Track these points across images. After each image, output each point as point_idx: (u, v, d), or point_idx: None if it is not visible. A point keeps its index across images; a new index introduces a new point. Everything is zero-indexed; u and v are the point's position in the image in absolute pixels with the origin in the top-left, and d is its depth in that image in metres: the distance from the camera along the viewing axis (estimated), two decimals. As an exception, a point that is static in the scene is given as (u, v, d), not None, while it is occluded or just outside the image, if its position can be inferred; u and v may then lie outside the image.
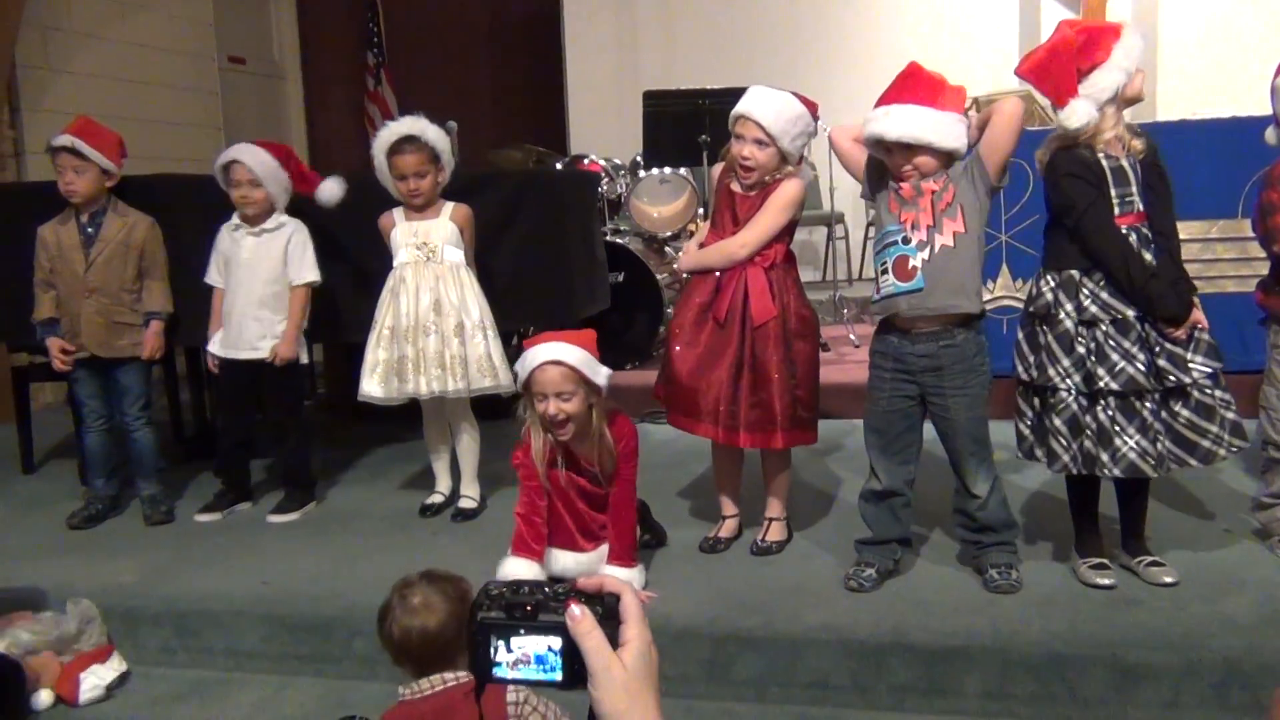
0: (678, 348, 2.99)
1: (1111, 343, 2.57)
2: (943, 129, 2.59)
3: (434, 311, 3.38)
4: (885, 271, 2.69)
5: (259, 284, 3.55)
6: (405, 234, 3.46)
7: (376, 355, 3.42)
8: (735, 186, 2.98)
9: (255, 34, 8.13)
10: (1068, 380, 2.60)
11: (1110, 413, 2.58)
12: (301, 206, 3.68)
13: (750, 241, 2.91)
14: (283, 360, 3.54)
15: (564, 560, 2.83)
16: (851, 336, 5.43)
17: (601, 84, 7.57)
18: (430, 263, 3.42)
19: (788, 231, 2.97)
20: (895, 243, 2.66)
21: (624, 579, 2.59)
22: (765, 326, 2.90)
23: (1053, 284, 2.64)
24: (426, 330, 3.37)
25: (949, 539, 3.06)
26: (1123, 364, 2.56)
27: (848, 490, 3.59)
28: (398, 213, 3.52)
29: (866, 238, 6.97)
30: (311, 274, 3.60)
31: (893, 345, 2.73)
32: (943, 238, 2.62)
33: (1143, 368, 2.56)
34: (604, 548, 2.81)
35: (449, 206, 3.51)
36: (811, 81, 6.94)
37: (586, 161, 5.88)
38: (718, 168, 3.07)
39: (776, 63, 7.16)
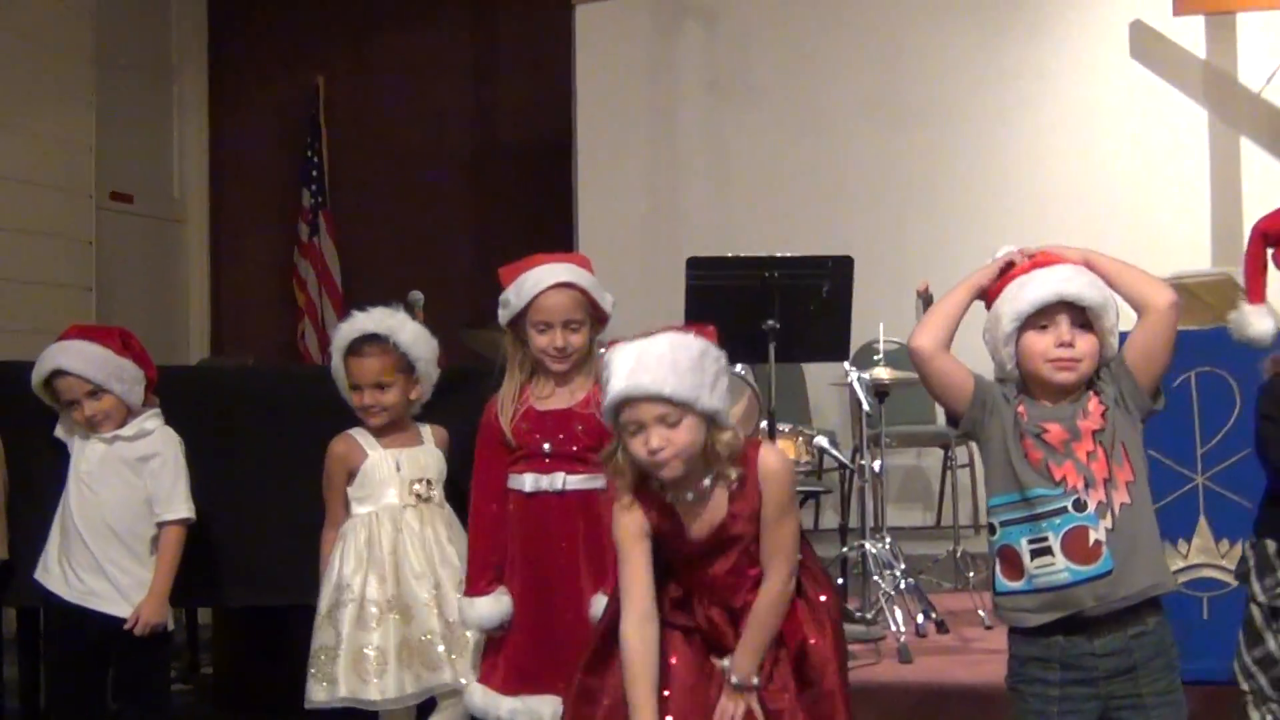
0: None
1: None
2: (1115, 315, 2.66)
3: (434, 573, 3.47)
4: (1044, 553, 2.64)
5: (106, 512, 3.59)
6: (386, 467, 3.56)
7: (353, 640, 3.45)
8: (673, 498, 2.81)
9: (149, 164, 8.46)
10: None
11: None
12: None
13: (789, 573, 2.83)
14: (147, 628, 3.54)
15: (537, 706, 3.16)
16: (981, 613, 5.34)
17: (626, 243, 7.71)
18: (431, 505, 3.55)
19: None
20: (1062, 510, 2.64)
21: None
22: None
23: None
24: (429, 604, 3.45)
25: None
26: None
27: None
28: (362, 435, 3.60)
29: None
30: (184, 508, 3.65)
31: (1059, 645, 2.67)
32: (1119, 494, 2.62)
33: None
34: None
35: (425, 430, 3.65)
36: (921, 255, 7.11)
37: (603, 351, 5.93)
38: (628, 521, 2.81)
39: (874, 225, 7.29)
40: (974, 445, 7.27)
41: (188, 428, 3.76)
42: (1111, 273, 2.72)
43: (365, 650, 3.43)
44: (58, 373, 3.59)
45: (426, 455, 3.59)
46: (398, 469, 3.55)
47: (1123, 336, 2.72)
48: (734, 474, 2.75)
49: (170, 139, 8.65)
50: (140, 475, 3.62)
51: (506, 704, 3.21)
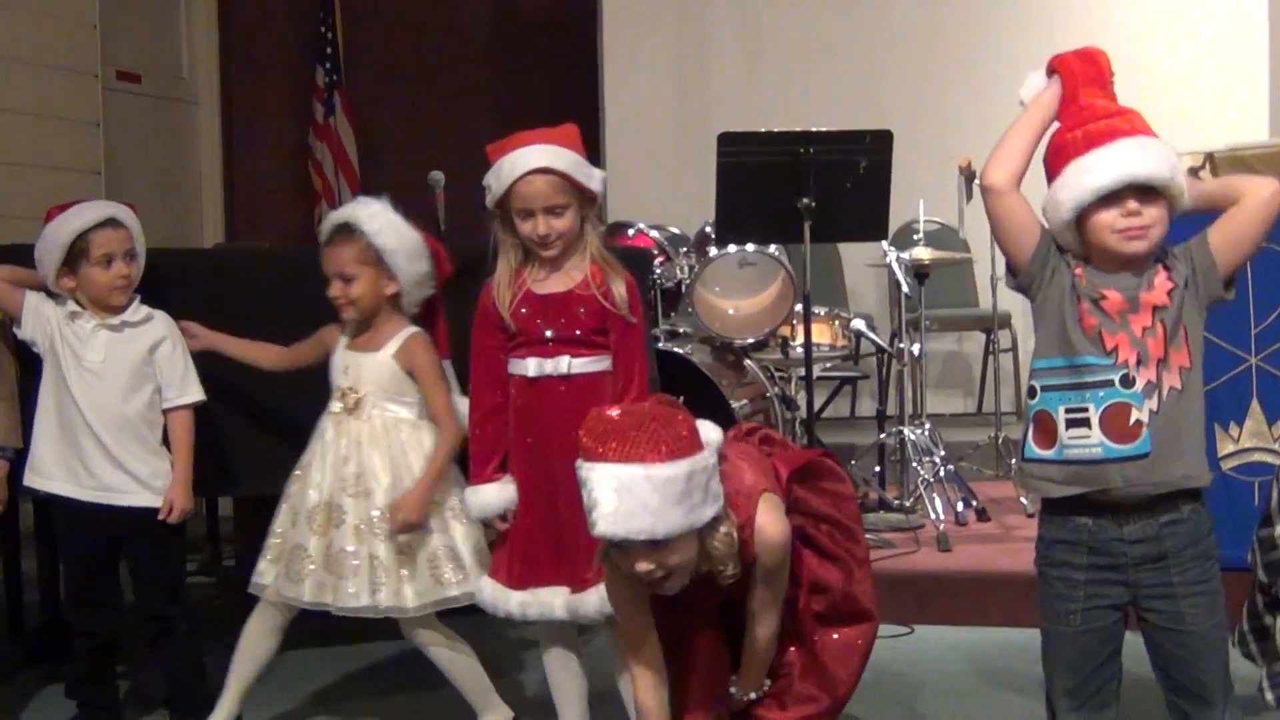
0: None
1: None
2: (1183, 178, 2.62)
3: (351, 492, 3.43)
4: (1081, 424, 2.64)
5: (118, 402, 3.58)
6: (339, 368, 3.52)
7: (274, 528, 3.53)
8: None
9: (157, 42, 8.42)
10: None
11: None
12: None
13: (779, 618, 2.89)
14: (183, 514, 3.60)
15: (548, 598, 3.17)
16: (1024, 500, 5.38)
17: (655, 120, 7.69)
18: (351, 418, 3.48)
19: None
20: (1109, 384, 2.62)
21: None
22: None
23: None
24: (337, 518, 3.43)
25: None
26: None
27: None
28: (346, 330, 3.58)
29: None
30: (196, 391, 3.67)
31: (1086, 529, 2.67)
32: (1170, 377, 2.60)
33: None
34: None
35: (400, 337, 3.50)
36: (964, 130, 7.05)
37: (631, 233, 5.95)
38: (625, 588, 2.84)
39: (914, 98, 7.23)
40: (1016, 329, 7.36)
41: (204, 313, 3.76)
42: (1218, 194, 2.68)
43: (297, 549, 3.47)
44: (109, 222, 3.57)
45: (371, 364, 3.48)
46: (344, 373, 3.49)
47: (1211, 219, 2.66)
48: (732, 569, 2.73)
49: (178, 15, 8.59)
50: (150, 364, 3.62)
51: (516, 597, 3.22)
